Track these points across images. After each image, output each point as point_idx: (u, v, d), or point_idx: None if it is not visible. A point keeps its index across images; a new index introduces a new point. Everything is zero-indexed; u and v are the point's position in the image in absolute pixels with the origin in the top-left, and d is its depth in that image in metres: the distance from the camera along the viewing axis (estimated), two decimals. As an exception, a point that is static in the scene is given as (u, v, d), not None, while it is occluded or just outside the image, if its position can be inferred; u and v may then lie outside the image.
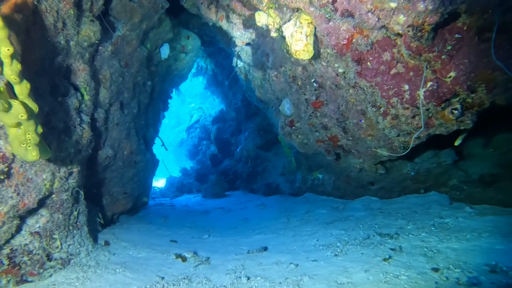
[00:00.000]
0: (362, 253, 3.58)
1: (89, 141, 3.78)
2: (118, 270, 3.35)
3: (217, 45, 11.19)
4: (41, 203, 2.91)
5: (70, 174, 3.22)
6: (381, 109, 3.53)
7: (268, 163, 9.49)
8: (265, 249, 4.30)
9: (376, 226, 4.44)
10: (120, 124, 5.15)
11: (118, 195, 5.48)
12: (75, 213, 3.42)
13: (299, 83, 4.22)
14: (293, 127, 4.87)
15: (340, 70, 3.59)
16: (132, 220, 6.06)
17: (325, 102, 4.11)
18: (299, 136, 4.91)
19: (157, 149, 8.66)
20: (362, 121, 3.84)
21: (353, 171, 5.51)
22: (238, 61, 5.72)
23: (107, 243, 4.06)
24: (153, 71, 6.59)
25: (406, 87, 3.22)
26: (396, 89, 3.28)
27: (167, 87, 7.84)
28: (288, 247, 4.29)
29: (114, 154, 4.93)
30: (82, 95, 3.82)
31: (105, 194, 5.23)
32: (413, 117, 3.40)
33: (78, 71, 3.68)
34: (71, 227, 3.34)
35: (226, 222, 6.51)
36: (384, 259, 3.18)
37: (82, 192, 3.66)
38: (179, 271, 3.57)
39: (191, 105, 22.20)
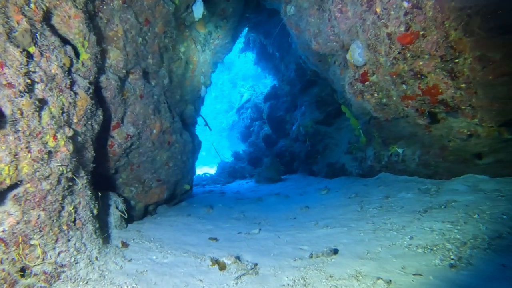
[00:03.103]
0: (503, 265, 2.20)
1: (90, 113, 2.82)
2: (127, 287, 2.38)
3: (264, 12, 9.90)
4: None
5: (51, 154, 2.26)
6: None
7: (330, 140, 8.09)
8: (335, 251, 3.05)
9: (505, 217, 2.95)
10: (145, 96, 4.20)
11: (151, 183, 4.60)
12: (70, 208, 2.49)
13: (378, 9, 2.81)
14: (367, 82, 3.47)
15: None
16: (171, 211, 5.19)
17: (421, 32, 2.66)
18: (376, 94, 3.50)
19: (207, 133, 7.78)
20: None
21: (454, 139, 3.95)
22: (288, 7, 4.40)
23: (125, 245, 3.13)
24: (187, 35, 5.56)
25: None
26: None
27: (207, 57, 6.80)
28: (368, 248, 3.00)
29: (137, 132, 3.99)
30: (78, 53, 2.85)
31: (133, 182, 4.36)
32: None
33: (68, 18, 2.71)
34: (63, 228, 2.42)
35: (281, 211, 5.34)
36: None
37: (83, 180, 2.73)
38: (213, 286, 2.51)
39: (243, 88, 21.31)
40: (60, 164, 2.32)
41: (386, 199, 4.45)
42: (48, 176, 2.23)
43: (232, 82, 24.26)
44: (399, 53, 2.84)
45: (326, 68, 5.15)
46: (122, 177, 4.32)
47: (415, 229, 3.15)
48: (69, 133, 2.46)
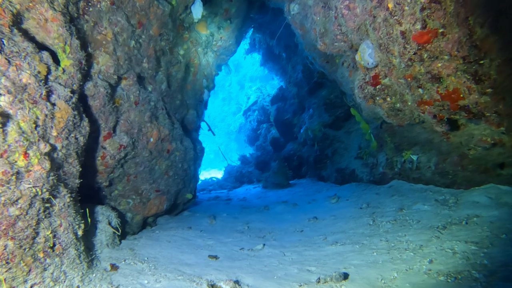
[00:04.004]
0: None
1: (72, 124, 2.57)
2: (110, 323, 2.12)
3: (269, 12, 9.61)
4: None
5: (20, 175, 2.01)
6: None
7: (339, 144, 7.74)
8: (345, 276, 2.74)
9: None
10: (141, 103, 3.95)
11: (149, 194, 4.35)
12: (47, 232, 2.24)
13: (390, 4, 2.49)
14: (379, 85, 3.15)
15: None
16: (172, 222, 4.93)
17: (440, 30, 2.33)
18: (388, 99, 3.17)
19: (215, 136, 7.53)
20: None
21: (474, 147, 3.59)
22: (292, 6, 4.10)
23: (114, 268, 2.87)
24: (186, 37, 5.30)
25: None
26: None
27: (210, 60, 6.53)
28: (382, 272, 2.68)
29: (132, 142, 3.74)
30: (57, 60, 2.61)
31: (130, 194, 4.11)
32: None
33: (45, 22, 2.46)
34: (38, 256, 2.17)
35: (289, 222, 5.04)
36: None
37: (65, 199, 2.48)
38: (206, 324, 2.22)
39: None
40: (32, 186, 2.06)
41: (400, 211, 4.11)
42: (16, 200, 1.98)
43: (239, 84, 24.02)
44: (414, 53, 2.51)
45: (334, 69, 4.82)
46: (118, 189, 4.07)
47: (435, 250, 2.81)
48: (45, 149, 2.21)
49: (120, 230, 3.50)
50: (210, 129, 7.10)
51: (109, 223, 3.43)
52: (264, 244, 3.87)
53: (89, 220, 3.00)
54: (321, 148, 8.24)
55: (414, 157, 4.76)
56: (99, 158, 3.45)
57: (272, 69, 12.64)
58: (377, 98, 3.24)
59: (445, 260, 2.60)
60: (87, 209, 3.01)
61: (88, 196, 3.69)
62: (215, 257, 3.48)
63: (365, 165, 6.53)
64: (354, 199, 5.52)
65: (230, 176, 10.25)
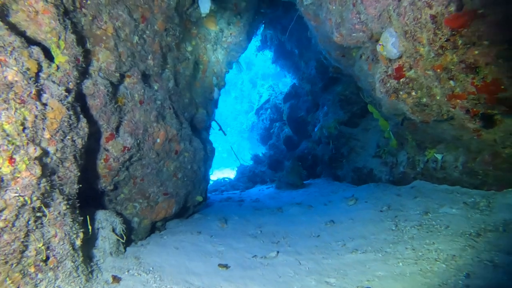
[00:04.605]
0: None
1: (68, 126, 2.36)
2: None
3: (280, 6, 9.30)
4: None
5: (5, 183, 1.81)
6: None
7: (356, 143, 7.39)
8: (369, 290, 2.45)
9: None
10: (146, 102, 3.74)
11: (157, 197, 4.15)
12: (38, 245, 2.03)
13: (418, -16, 2.19)
14: (403, 78, 2.83)
15: None
16: (182, 226, 4.72)
17: (480, 10, 2.01)
18: (413, 93, 2.86)
19: (227, 135, 7.31)
20: None
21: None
22: (304, -5, 3.81)
23: (116, 280, 2.66)
24: (194, 32, 5.07)
25: None
26: None
27: (220, 57, 6.29)
28: None
29: (137, 143, 3.53)
30: (51, 56, 2.40)
31: (137, 197, 3.92)
32: None
33: (35, 14, 2.26)
34: (29, 271, 1.97)
35: (304, 225, 4.75)
36: None
37: (60, 207, 2.28)
38: None
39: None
40: (18, 194, 1.85)
41: (425, 215, 3.77)
42: (0, 211, 1.77)
43: (251, 82, 23.74)
44: (447, 40, 2.20)
45: (351, 63, 4.51)
46: (124, 192, 3.88)
47: (471, 263, 2.50)
48: (35, 153, 2.00)
49: (125, 237, 3.30)
50: (221, 129, 6.87)
51: (113, 230, 3.23)
52: (278, 251, 3.62)
53: (89, 227, 2.80)
54: (336, 146, 7.91)
55: (439, 156, 4.40)
56: (102, 161, 3.25)
57: (284, 66, 12.33)
58: (401, 92, 2.93)
59: (485, 275, 2.29)
60: (87, 216, 2.81)
61: (92, 201, 3.51)
62: (226, 266, 3.24)
63: (384, 164, 6.18)
64: (373, 201, 5.19)
65: (243, 176, 10.02)
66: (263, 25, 10.44)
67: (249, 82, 23.88)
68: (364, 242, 3.58)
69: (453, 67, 2.36)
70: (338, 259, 3.28)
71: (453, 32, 2.19)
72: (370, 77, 3.69)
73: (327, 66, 7.55)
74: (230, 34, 6.64)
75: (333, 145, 7.92)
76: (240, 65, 8.27)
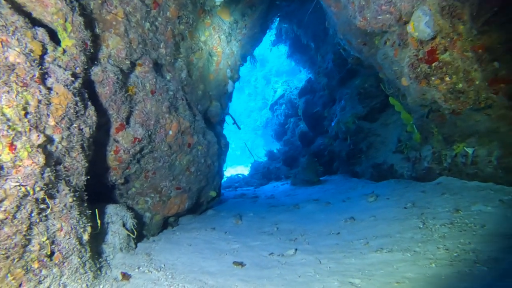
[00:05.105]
0: None
1: (74, 113, 2.22)
2: None
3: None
4: None
5: (5, 171, 1.67)
6: None
7: (375, 138, 7.10)
8: (399, 294, 2.22)
9: None
10: (158, 92, 3.59)
11: (169, 192, 4.00)
12: (42, 239, 1.90)
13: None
14: (435, 62, 2.58)
15: None
16: (195, 222, 4.57)
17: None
18: (447, 78, 2.60)
19: (241, 131, 7.14)
20: None
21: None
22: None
23: (126, 277, 2.51)
24: (208, 22, 4.90)
25: None
26: None
27: (234, 49, 6.11)
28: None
29: (148, 135, 3.38)
30: (58, 39, 2.26)
31: (148, 192, 3.78)
32: None
33: (41, -7, 2.12)
34: (32, 267, 1.83)
35: (322, 223, 4.54)
36: None
37: (67, 199, 2.14)
38: None
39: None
40: (19, 184, 1.71)
41: (456, 213, 3.50)
42: (0, 202, 1.63)
43: (265, 79, 23.51)
44: (494, 14, 1.95)
45: (373, 52, 4.25)
46: (136, 186, 3.75)
47: (516, 267, 2.24)
48: (38, 140, 1.86)
49: (136, 232, 3.16)
50: (235, 122, 6.70)
51: (124, 225, 3.09)
52: (296, 249, 3.41)
53: (98, 222, 2.67)
54: (354, 142, 7.63)
55: (470, 150, 4.10)
56: (112, 152, 3.11)
57: (300, 60, 12.06)
58: (433, 78, 2.68)
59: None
60: (96, 210, 2.67)
61: (101, 195, 3.39)
62: (241, 264, 3.06)
63: (406, 159, 5.88)
64: (395, 198, 4.92)
65: (257, 173, 9.83)
66: (278, 18, 10.21)
67: (263, 79, 23.65)
68: (389, 241, 3.34)
69: (499, 46, 2.10)
70: (362, 258, 3.05)
71: (497, 10, 1.94)
72: (395, 64, 3.44)
73: (345, 58, 7.28)
74: (245, 25, 6.45)
75: (351, 141, 7.64)
76: (254, 59, 8.08)
